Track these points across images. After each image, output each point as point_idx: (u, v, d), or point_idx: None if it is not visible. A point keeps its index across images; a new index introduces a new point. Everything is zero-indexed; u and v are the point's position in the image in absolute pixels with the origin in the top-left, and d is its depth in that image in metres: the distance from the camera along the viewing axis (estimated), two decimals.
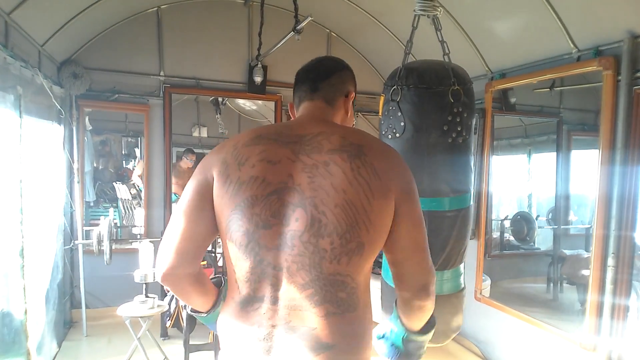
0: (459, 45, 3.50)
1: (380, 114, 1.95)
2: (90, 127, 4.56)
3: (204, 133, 5.32)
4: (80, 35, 3.95)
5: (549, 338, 3.00)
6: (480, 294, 3.63)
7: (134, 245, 4.00)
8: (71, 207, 4.12)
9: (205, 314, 1.24)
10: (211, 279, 1.28)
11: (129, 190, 5.15)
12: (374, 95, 4.80)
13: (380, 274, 1.96)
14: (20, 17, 2.73)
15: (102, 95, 4.25)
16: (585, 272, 2.89)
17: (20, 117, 2.65)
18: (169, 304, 3.43)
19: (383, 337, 1.32)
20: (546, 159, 4.12)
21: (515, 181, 4.27)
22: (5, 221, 2.56)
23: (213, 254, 3.96)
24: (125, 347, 3.32)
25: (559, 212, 3.85)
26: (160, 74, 4.41)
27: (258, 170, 1.09)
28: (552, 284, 3.71)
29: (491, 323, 3.61)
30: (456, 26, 3.42)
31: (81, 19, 3.49)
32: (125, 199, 5.10)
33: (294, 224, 1.06)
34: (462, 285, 1.96)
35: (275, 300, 1.08)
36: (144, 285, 3.27)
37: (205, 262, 3.36)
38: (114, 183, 5.14)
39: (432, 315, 1.27)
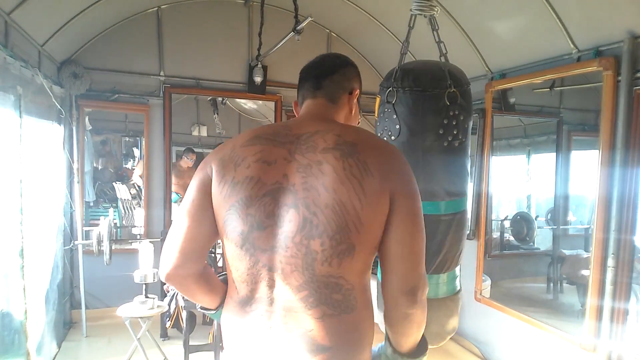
0: (458, 45, 3.50)
1: (376, 115, 1.93)
2: (90, 127, 4.56)
3: (204, 132, 5.32)
4: (80, 35, 3.95)
5: (548, 338, 3.00)
6: (480, 294, 3.63)
7: (134, 245, 4.00)
8: (71, 207, 4.12)
9: (214, 311, 1.25)
10: (219, 275, 1.27)
11: (129, 190, 5.15)
12: (373, 95, 4.77)
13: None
14: (20, 17, 2.73)
15: (102, 95, 4.25)
16: (585, 272, 2.89)
17: (20, 117, 2.65)
18: (169, 305, 3.43)
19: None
20: (546, 160, 4.12)
21: (514, 181, 4.27)
22: (5, 221, 2.56)
23: (213, 254, 3.96)
24: (125, 347, 3.32)
25: (558, 213, 3.85)
26: (161, 74, 4.41)
27: (253, 170, 1.09)
28: (552, 284, 3.70)
29: (491, 323, 3.61)
30: (456, 26, 3.42)
31: (81, 19, 3.49)
32: (125, 199, 5.10)
33: (287, 225, 1.05)
34: (458, 288, 1.94)
35: (271, 302, 1.08)
36: (144, 286, 3.27)
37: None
38: (114, 183, 5.13)
39: (423, 338, 1.21)
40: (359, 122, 1.40)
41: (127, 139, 5.35)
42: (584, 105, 3.52)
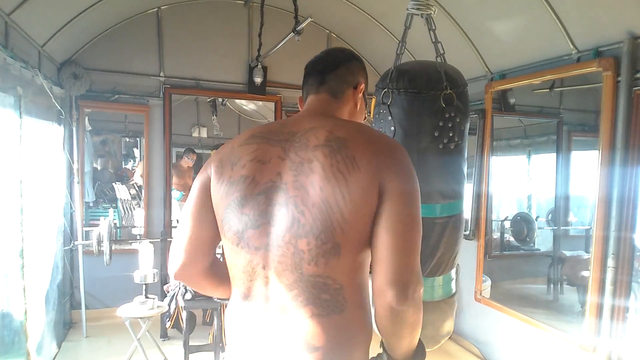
0: (458, 46, 3.50)
1: (371, 116, 1.92)
2: (90, 128, 4.56)
3: (204, 133, 5.33)
4: (80, 35, 3.95)
5: (549, 339, 3.00)
6: (481, 294, 3.63)
7: (134, 245, 4.01)
8: (71, 207, 4.12)
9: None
10: None
11: (129, 190, 5.15)
12: (373, 96, 4.80)
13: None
14: (21, 17, 2.73)
15: (102, 95, 4.25)
16: (585, 273, 2.89)
17: (20, 117, 2.66)
18: (169, 305, 3.43)
19: None
20: (546, 160, 4.12)
21: (515, 182, 4.27)
22: (5, 222, 2.56)
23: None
24: (125, 347, 3.32)
25: (559, 213, 3.85)
26: (160, 75, 4.41)
27: (248, 169, 1.10)
28: (552, 285, 3.70)
29: (491, 324, 3.60)
30: (456, 27, 3.42)
31: (81, 20, 3.49)
32: (124, 200, 5.10)
33: (279, 223, 1.05)
34: (454, 291, 1.91)
35: (267, 299, 1.08)
36: (144, 286, 3.28)
37: None
38: (114, 183, 5.14)
39: (421, 345, 1.16)
40: (365, 117, 1.38)
41: (127, 139, 5.37)
42: (583, 106, 3.53)
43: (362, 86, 1.30)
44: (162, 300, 3.53)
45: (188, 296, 3.28)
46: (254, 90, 4.59)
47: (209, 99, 4.96)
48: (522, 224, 4.04)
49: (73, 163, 4.10)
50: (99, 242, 3.48)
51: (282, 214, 1.05)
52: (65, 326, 4.00)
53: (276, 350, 1.07)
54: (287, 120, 1.24)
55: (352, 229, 1.02)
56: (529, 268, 4.13)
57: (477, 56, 3.53)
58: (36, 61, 3.21)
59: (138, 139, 5.08)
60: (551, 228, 3.92)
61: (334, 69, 1.26)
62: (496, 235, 4.05)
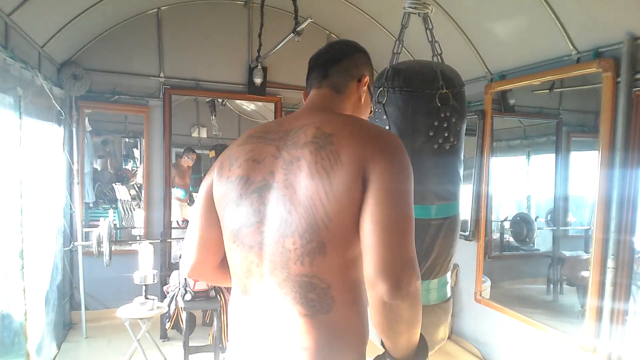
0: (458, 46, 3.51)
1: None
2: (90, 128, 4.57)
3: (203, 134, 5.34)
4: (80, 36, 3.95)
5: (548, 339, 3.00)
6: (480, 295, 3.63)
7: (134, 246, 4.02)
8: (71, 208, 4.12)
9: None
10: None
11: (129, 191, 5.15)
12: None
13: None
14: (20, 18, 2.73)
15: (102, 96, 4.25)
16: (584, 273, 2.89)
17: (20, 118, 2.65)
18: (169, 306, 3.43)
19: None
20: (545, 161, 4.13)
21: (514, 182, 4.27)
22: (5, 222, 2.56)
23: None
24: (125, 348, 3.32)
25: (558, 214, 3.86)
26: (160, 76, 4.41)
27: (244, 169, 1.12)
28: (552, 286, 3.71)
29: (491, 324, 3.61)
30: (455, 27, 3.42)
31: (81, 20, 3.49)
32: (124, 200, 5.10)
33: (270, 222, 1.06)
34: (449, 295, 1.88)
35: (261, 297, 1.09)
36: (144, 287, 3.28)
37: None
38: (114, 184, 5.14)
39: (423, 343, 1.09)
40: (371, 111, 1.35)
41: (126, 140, 5.37)
42: (583, 107, 3.53)
43: (367, 79, 1.26)
44: (162, 301, 3.53)
45: (188, 297, 3.28)
46: (253, 91, 4.60)
47: (208, 100, 4.96)
48: (522, 224, 4.04)
49: (73, 164, 4.10)
50: (99, 243, 3.48)
51: (273, 213, 1.05)
52: (65, 327, 4.00)
53: (267, 349, 1.08)
54: (285, 118, 1.23)
55: (337, 227, 1.00)
56: (529, 268, 4.13)
57: (477, 57, 3.53)
58: (36, 62, 3.21)
59: (138, 139, 5.08)
60: (550, 228, 3.92)
61: (337, 62, 1.24)
62: (496, 235, 4.05)
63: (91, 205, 4.81)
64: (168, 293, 3.62)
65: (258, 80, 4.49)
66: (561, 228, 3.85)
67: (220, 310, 3.32)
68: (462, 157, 1.85)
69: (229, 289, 1.29)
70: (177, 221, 5.00)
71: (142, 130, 4.53)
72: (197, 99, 4.99)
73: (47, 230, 3.51)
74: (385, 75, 1.78)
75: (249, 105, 5.16)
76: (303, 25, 3.28)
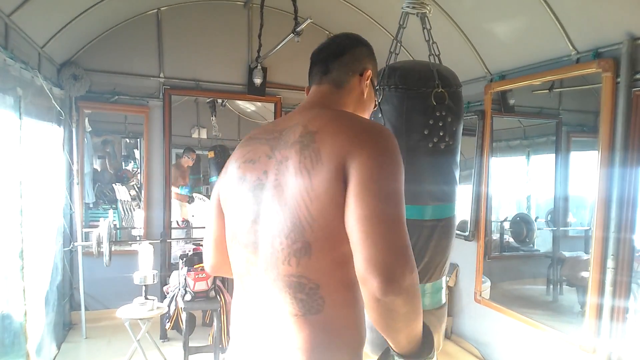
0: (457, 46, 3.51)
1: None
2: (90, 129, 4.56)
3: (203, 134, 5.33)
4: (80, 36, 3.95)
5: (548, 340, 3.00)
6: (480, 295, 3.63)
7: (134, 247, 4.01)
8: (71, 208, 4.12)
9: None
10: None
11: (129, 191, 5.15)
12: None
13: None
14: (20, 18, 2.73)
15: (101, 96, 4.25)
16: (584, 273, 2.89)
17: (20, 118, 2.66)
18: (169, 306, 3.43)
19: None
20: (545, 161, 4.13)
21: (514, 183, 4.27)
22: (5, 223, 2.56)
23: None
24: (125, 349, 3.32)
25: (558, 214, 3.85)
26: (160, 76, 4.42)
27: (242, 170, 1.13)
28: (551, 286, 3.70)
29: (491, 325, 3.61)
30: (455, 28, 3.42)
31: (81, 21, 3.50)
32: (124, 201, 5.10)
33: (263, 222, 1.06)
34: (443, 302, 1.84)
35: (257, 296, 1.09)
36: (144, 287, 3.27)
37: None
38: (114, 184, 5.14)
39: (428, 336, 1.05)
40: (375, 106, 1.33)
41: (126, 140, 5.36)
42: (583, 107, 3.53)
43: (369, 72, 1.23)
44: (162, 302, 3.53)
45: (188, 297, 3.28)
46: (253, 91, 4.60)
47: (208, 100, 4.96)
48: (522, 224, 4.04)
49: (73, 164, 4.10)
50: (99, 243, 3.48)
51: (265, 213, 1.05)
52: (65, 327, 4.00)
53: (262, 348, 1.08)
54: (283, 117, 1.22)
55: (322, 227, 0.98)
56: (529, 269, 4.13)
57: (477, 57, 3.54)
58: (36, 62, 3.21)
59: (138, 139, 5.08)
60: (550, 229, 3.92)
61: (338, 56, 1.22)
62: (496, 236, 4.05)
63: (91, 205, 4.80)
64: (168, 293, 3.62)
65: (258, 81, 4.50)
66: (561, 228, 3.85)
67: (220, 310, 3.31)
68: (458, 159, 1.82)
69: (229, 290, 1.30)
70: (177, 221, 5.00)
71: (142, 131, 4.54)
72: (197, 100, 4.99)
73: (47, 230, 3.51)
74: (381, 74, 1.77)
75: (249, 106, 5.15)
76: (303, 26, 3.28)
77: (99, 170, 5.13)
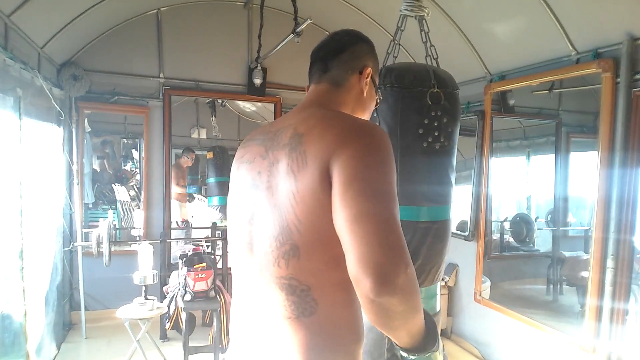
0: (457, 47, 3.51)
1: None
2: (90, 129, 4.56)
3: (203, 135, 5.33)
4: (79, 37, 3.95)
5: (548, 340, 3.00)
6: (480, 295, 3.63)
7: (133, 247, 4.01)
8: (70, 208, 4.12)
9: None
10: None
11: (128, 192, 5.15)
12: None
13: None
14: (20, 19, 2.73)
15: (101, 97, 4.25)
16: (584, 273, 2.89)
17: (19, 119, 2.65)
18: (168, 306, 3.43)
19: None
20: (545, 161, 4.13)
21: (514, 183, 4.27)
22: (4, 223, 2.56)
23: (212, 256, 3.95)
24: (125, 349, 3.31)
25: (558, 214, 3.86)
26: (160, 76, 4.42)
27: (240, 171, 1.15)
28: (551, 286, 3.70)
29: (491, 325, 3.61)
30: (455, 28, 3.42)
31: (81, 21, 3.50)
32: (124, 201, 5.10)
33: (256, 223, 1.06)
34: (437, 309, 1.82)
35: (253, 298, 1.09)
36: (143, 287, 3.27)
37: (204, 264, 3.36)
38: (113, 185, 5.14)
39: (431, 328, 1.03)
40: (377, 104, 1.30)
41: (126, 140, 5.36)
42: (582, 107, 3.53)
43: (369, 70, 1.20)
44: (162, 302, 3.53)
45: (187, 297, 3.28)
46: (253, 92, 4.60)
47: (208, 100, 4.96)
48: (522, 224, 4.04)
49: (72, 164, 4.10)
50: (99, 244, 3.48)
51: (259, 214, 1.06)
52: (65, 327, 4.00)
53: (257, 350, 1.08)
54: (280, 117, 1.22)
55: (309, 230, 0.96)
56: (529, 269, 4.13)
57: (477, 57, 3.54)
58: (36, 62, 3.21)
59: (138, 140, 5.07)
60: (550, 229, 3.92)
61: (337, 53, 1.19)
62: (496, 236, 4.05)
63: (91, 205, 4.80)
64: (168, 293, 3.62)
65: (258, 81, 4.50)
66: (561, 228, 3.85)
67: (220, 310, 3.31)
68: (454, 162, 1.80)
69: (229, 290, 1.31)
70: (177, 222, 5.00)
71: (141, 131, 4.53)
72: (197, 100, 4.99)
73: (47, 230, 3.51)
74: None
75: (250, 107, 5.15)
76: (303, 26, 3.28)
77: (99, 170, 5.13)
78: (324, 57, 1.20)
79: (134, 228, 4.92)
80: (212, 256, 3.97)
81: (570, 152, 3.71)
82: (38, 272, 3.13)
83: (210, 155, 5.26)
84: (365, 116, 1.27)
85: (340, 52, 1.19)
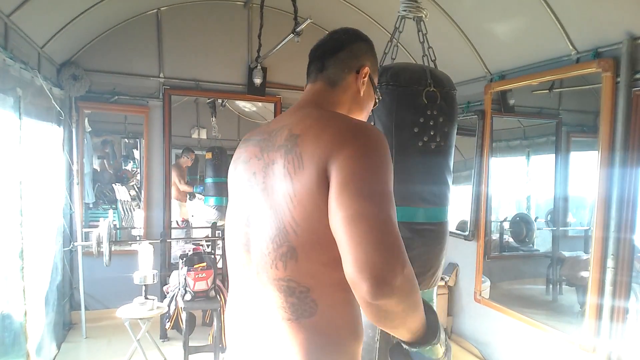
0: (458, 46, 3.51)
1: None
2: (90, 129, 4.57)
3: (203, 135, 5.33)
4: (79, 37, 3.95)
5: (548, 339, 3.00)
6: (480, 295, 3.63)
7: (133, 246, 4.01)
8: (70, 208, 4.12)
9: None
10: None
11: (128, 191, 5.15)
12: None
13: None
14: (20, 19, 2.73)
15: (101, 96, 4.25)
16: (584, 273, 2.89)
17: (20, 118, 2.66)
18: (169, 306, 3.43)
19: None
20: (545, 161, 4.12)
21: (514, 183, 4.27)
22: (5, 223, 2.56)
23: (212, 256, 3.96)
24: (125, 348, 3.32)
25: (558, 214, 3.85)
26: (160, 76, 4.42)
27: (237, 171, 1.14)
28: (551, 286, 3.70)
29: (491, 324, 3.61)
30: (455, 28, 3.42)
31: (81, 21, 3.50)
32: (124, 201, 5.10)
33: (252, 224, 1.06)
34: None
35: (251, 299, 1.09)
36: (144, 287, 3.27)
37: (205, 264, 3.36)
38: (113, 184, 5.14)
39: (433, 321, 1.02)
40: (376, 104, 1.28)
41: (126, 140, 5.36)
42: (583, 107, 3.53)
43: (367, 69, 1.18)
44: (162, 301, 3.53)
45: (188, 297, 3.28)
46: (253, 91, 4.60)
47: (208, 100, 4.96)
48: (521, 224, 4.04)
49: (73, 164, 4.10)
50: (99, 243, 3.48)
51: (255, 215, 1.05)
52: (65, 327, 4.00)
53: (257, 353, 1.07)
54: (276, 117, 1.21)
55: (306, 232, 0.96)
56: (528, 269, 4.13)
57: (477, 57, 3.54)
58: (36, 62, 3.21)
59: (138, 140, 5.07)
60: (550, 229, 3.92)
61: (334, 52, 1.17)
62: (495, 236, 4.05)
63: (91, 205, 4.80)
64: (168, 293, 3.62)
65: (258, 81, 4.50)
66: (561, 228, 3.85)
67: (220, 310, 3.31)
68: (450, 162, 1.79)
69: (228, 289, 1.30)
70: (177, 221, 5.00)
71: (141, 131, 4.54)
72: (197, 100, 4.99)
73: (47, 230, 3.51)
74: None
75: (250, 107, 5.15)
76: (303, 26, 3.28)
77: (99, 170, 5.13)
78: (321, 55, 1.19)
79: (134, 228, 4.92)
80: (212, 256, 3.98)
81: (570, 152, 3.70)
82: (38, 272, 3.13)
83: (208, 155, 5.26)
84: (363, 116, 1.25)
85: (337, 51, 1.17)
